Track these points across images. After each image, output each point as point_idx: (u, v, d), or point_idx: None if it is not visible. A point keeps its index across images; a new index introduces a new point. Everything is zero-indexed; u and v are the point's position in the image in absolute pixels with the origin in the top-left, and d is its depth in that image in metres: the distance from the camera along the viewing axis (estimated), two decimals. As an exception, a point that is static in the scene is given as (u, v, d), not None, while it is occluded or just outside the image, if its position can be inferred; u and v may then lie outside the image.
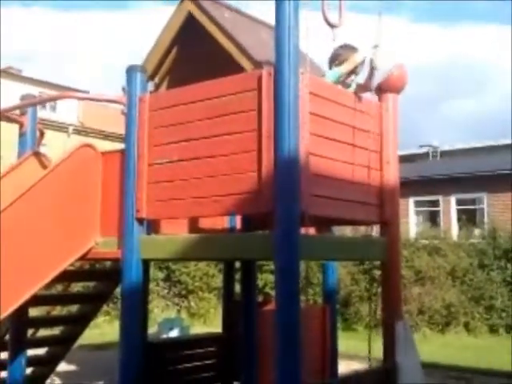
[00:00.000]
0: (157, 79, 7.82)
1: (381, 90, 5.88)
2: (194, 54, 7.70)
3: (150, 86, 6.49)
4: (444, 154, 35.28)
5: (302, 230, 4.96)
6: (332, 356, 7.78)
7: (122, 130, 6.14)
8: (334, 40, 4.84)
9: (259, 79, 4.87)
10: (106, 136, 32.83)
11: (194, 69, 7.46)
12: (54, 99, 14.89)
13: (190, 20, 7.45)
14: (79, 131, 34.27)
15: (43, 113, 27.52)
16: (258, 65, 6.45)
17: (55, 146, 23.62)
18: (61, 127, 32.34)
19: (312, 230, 6.80)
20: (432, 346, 14.11)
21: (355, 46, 5.43)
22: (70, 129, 33.75)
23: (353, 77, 5.73)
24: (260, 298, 8.74)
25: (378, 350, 5.93)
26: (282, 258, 4.62)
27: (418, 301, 17.04)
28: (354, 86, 5.75)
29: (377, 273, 16.68)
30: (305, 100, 4.77)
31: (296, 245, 4.60)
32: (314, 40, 4.77)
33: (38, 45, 74.09)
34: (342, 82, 5.70)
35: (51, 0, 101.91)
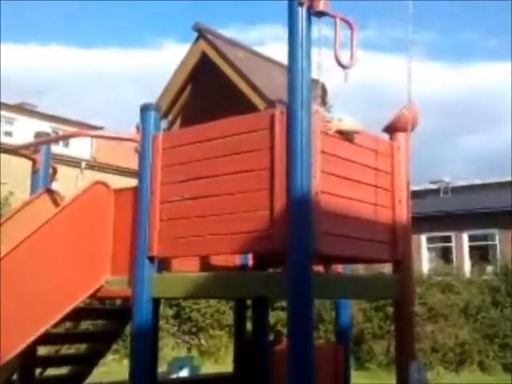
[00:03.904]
0: (170, 117, 7.86)
1: (392, 130, 5.89)
2: (207, 92, 7.75)
3: (164, 123, 6.52)
4: (455, 189, 35.17)
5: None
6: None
7: (134, 165, 6.17)
8: (345, 81, 4.83)
9: (272, 118, 4.90)
10: (119, 171, 32.92)
11: (207, 107, 7.50)
12: (68, 137, 15.05)
13: (204, 59, 7.52)
14: (92, 166, 34.41)
15: (56, 148, 27.71)
16: (270, 104, 6.47)
17: (68, 181, 23.69)
18: (74, 162, 32.48)
19: (320, 267, 6.77)
20: (446, 386, 13.94)
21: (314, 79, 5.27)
22: (83, 164, 33.88)
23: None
24: (271, 336, 8.66)
25: (392, 390, 5.86)
26: (295, 297, 4.59)
27: (431, 338, 16.87)
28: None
29: (390, 310, 16.69)
30: (317, 139, 4.78)
31: (309, 283, 4.58)
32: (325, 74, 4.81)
33: (53, 80, 74.79)
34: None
35: (68, 38, 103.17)
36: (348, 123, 5.40)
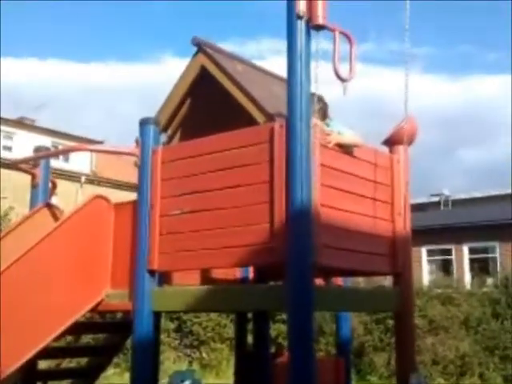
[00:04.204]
0: (170, 131, 7.88)
1: (392, 142, 5.91)
2: (206, 105, 7.77)
3: (163, 137, 6.53)
4: (455, 202, 35.20)
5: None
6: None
7: (134, 179, 6.18)
8: (344, 94, 4.85)
9: (271, 132, 4.92)
10: (119, 186, 32.92)
11: (206, 120, 7.52)
12: (68, 152, 15.05)
13: (204, 73, 7.55)
14: (92, 181, 34.43)
15: (56, 163, 27.74)
16: (269, 117, 6.50)
17: (68, 195, 23.69)
18: (74, 177, 32.50)
19: (321, 280, 6.77)
20: (447, 398, 13.89)
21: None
22: (83, 179, 33.90)
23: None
24: (273, 349, 8.64)
25: (393, 403, 5.85)
26: (295, 310, 4.60)
27: (431, 351, 16.82)
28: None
29: (390, 322, 16.66)
30: (316, 152, 4.80)
31: (309, 296, 4.58)
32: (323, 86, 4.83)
33: (52, 95, 75.01)
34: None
35: (67, 53, 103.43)
36: (348, 136, 5.42)
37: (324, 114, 5.71)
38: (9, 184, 20.80)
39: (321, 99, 5.48)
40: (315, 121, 4.99)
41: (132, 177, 7.02)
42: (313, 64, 4.81)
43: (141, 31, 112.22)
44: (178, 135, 8.07)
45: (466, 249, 25.61)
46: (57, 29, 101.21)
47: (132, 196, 6.38)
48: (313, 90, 4.91)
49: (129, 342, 7.84)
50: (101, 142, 28.84)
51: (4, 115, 30.64)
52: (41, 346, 5.52)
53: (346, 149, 5.35)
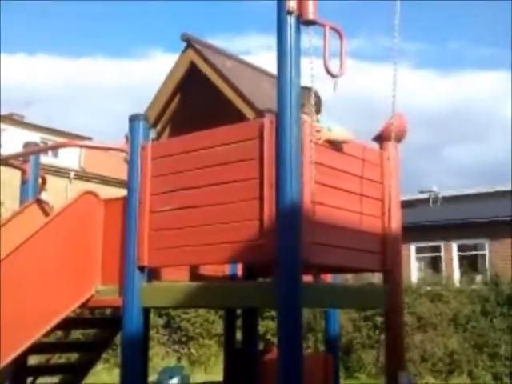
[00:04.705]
0: (159, 126, 7.86)
1: (382, 139, 5.92)
2: (196, 101, 7.76)
3: (152, 133, 6.52)
4: (444, 199, 35.29)
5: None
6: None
7: (123, 176, 6.17)
8: (334, 90, 4.84)
9: (261, 128, 4.91)
10: (108, 181, 32.88)
11: (195, 116, 7.51)
12: (57, 147, 15.02)
13: (193, 69, 7.53)
14: (81, 177, 34.37)
15: (45, 158, 27.63)
16: (259, 113, 6.49)
17: (57, 191, 23.62)
18: (63, 173, 32.42)
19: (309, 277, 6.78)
20: (435, 395, 13.94)
21: (307, 87, 5.23)
22: (72, 174, 33.84)
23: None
24: (261, 346, 8.65)
25: (381, 401, 5.86)
26: (284, 307, 4.60)
27: (420, 348, 16.87)
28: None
29: (378, 319, 16.70)
30: (306, 148, 4.79)
31: (298, 293, 4.58)
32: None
33: (41, 90, 74.75)
34: None
35: (56, 48, 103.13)
36: (337, 133, 5.41)
37: (318, 109, 5.71)
38: (-3, 180, 20.72)
39: (315, 94, 5.47)
40: (305, 117, 4.99)
41: (121, 173, 7.01)
42: (306, 60, 4.80)
43: (130, 27, 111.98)
44: (167, 131, 8.06)
45: (455, 246, 25.65)
46: (45, 24, 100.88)
47: (121, 192, 6.37)
48: (308, 84, 4.91)
49: (118, 338, 7.85)
50: (89, 139, 28.75)
51: (-8, 111, 30.54)
52: (31, 341, 5.52)
53: (335, 145, 5.34)
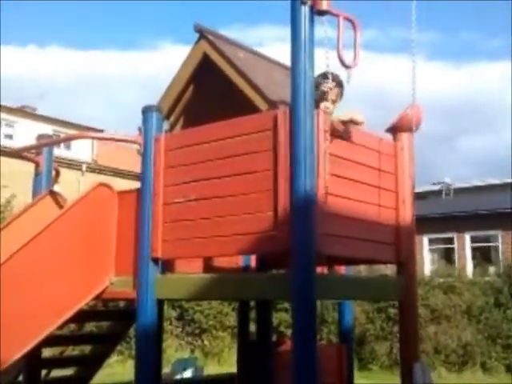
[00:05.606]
0: (172, 118, 7.84)
1: (396, 130, 5.87)
2: (209, 93, 7.73)
3: (166, 125, 6.51)
4: (457, 191, 35.19)
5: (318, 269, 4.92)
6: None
7: (135, 168, 6.17)
8: (348, 81, 4.81)
9: (275, 119, 4.89)
10: (120, 174, 32.96)
11: (209, 108, 7.48)
12: (70, 139, 15.05)
13: (206, 60, 7.49)
14: (93, 169, 34.45)
15: (57, 151, 27.62)
16: (272, 104, 6.46)
17: (69, 183, 23.70)
18: (75, 165, 32.51)
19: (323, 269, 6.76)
20: (449, 387, 13.93)
21: (327, 74, 5.17)
22: (84, 167, 33.92)
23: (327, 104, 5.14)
24: (275, 338, 8.65)
25: (396, 392, 5.85)
26: (299, 299, 4.58)
27: (433, 340, 16.87)
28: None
29: (392, 311, 16.69)
30: (320, 140, 4.77)
31: (312, 285, 4.57)
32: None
33: (53, 83, 75.05)
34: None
35: (66, 40, 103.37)
36: (344, 112, 5.33)
37: (341, 95, 5.82)
38: (9, 173, 20.81)
39: (338, 79, 5.50)
40: (327, 104, 4.95)
41: (134, 165, 7.01)
42: (319, 51, 4.76)
43: (138, 19, 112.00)
44: (180, 122, 8.03)
45: (467, 237, 25.60)
46: (55, 16, 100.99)
47: (133, 184, 6.36)
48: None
49: (132, 331, 7.86)
50: (101, 131, 28.81)
51: (5, 103, 30.64)
52: (45, 333, 5.52)
53: (344, 125, 5.23)
